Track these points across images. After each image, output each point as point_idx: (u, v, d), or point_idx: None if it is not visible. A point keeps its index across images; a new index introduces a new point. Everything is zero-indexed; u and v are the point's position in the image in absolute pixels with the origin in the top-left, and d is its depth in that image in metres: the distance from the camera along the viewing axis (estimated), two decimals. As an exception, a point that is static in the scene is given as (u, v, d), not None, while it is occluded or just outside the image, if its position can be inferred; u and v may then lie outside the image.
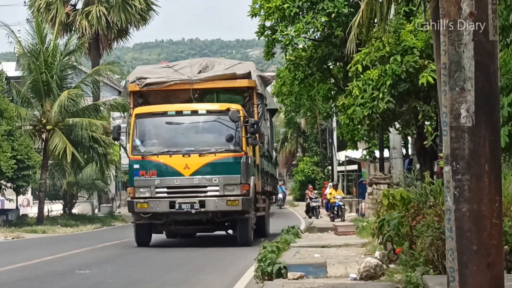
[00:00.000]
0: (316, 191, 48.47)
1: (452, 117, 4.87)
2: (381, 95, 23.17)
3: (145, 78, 24.38)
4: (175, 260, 18.90)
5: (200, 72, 24.85)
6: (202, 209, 21.85)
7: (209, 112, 23.07)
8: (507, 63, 10.98)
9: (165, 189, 22.06)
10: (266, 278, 12.63)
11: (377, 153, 35.85)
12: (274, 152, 34.15)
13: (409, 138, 33.04)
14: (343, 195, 42.17)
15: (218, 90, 24.89)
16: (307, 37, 32.37)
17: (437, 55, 16.83)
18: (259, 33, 32.54)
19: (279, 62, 49.10)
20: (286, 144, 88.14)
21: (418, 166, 27.93)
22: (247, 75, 24.62)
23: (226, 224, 23.65)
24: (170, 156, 22.26)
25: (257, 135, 23.03)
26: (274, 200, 37.60)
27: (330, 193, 41.75)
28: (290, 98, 35.96)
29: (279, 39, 31.71)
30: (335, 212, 39.86)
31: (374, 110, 23.41)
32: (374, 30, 22.58)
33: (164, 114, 22.98)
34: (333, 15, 30.13)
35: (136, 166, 22.33)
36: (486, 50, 4.83)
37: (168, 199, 21.90)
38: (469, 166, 4.82)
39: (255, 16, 31.85)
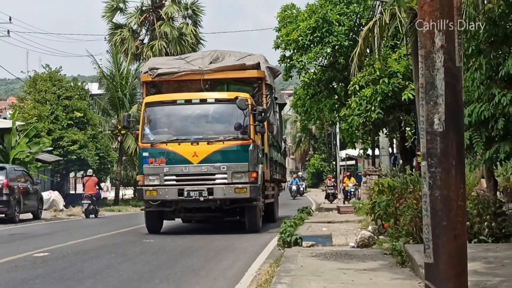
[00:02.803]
0: (333, 179, 45.23)
1: (428, 124, 4.85)
2: (373, 108, 23.23)
3: (157, 69, 19.88)
4: (211, 233, 18.29)
5: (211, 63, 20.24)
6: (211, 197, 17.48)
7: (217, 101, 18.36)
8: (467, 83, 10.94)
9: (174, 177, 17.66)
10: (286, 246, 12.63)
11: (369, 152, 35.68)
12: (283, 143, 28.36)
13: (394, 140, 32.93)
14: (355, 182, 40.05)
15: (229, 81, 20.18)
16: (317, 63, 32.37)
17: (416, 77, 16.78)
18: (280, 61, 32.63)
19: (296, 83, 49.07)
20: (301, 145, 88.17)
21: (401, 161, 27.81)
22: (257, 66, 19.82)
23: (234, 211, 18.84)
24: (179, 144, 17.74)
25: (265, 123, 18.60)
26: (283, 188, 30.93)
27: (344, 182, 41.34)
28: (302, 109, 35.90)
29: (295, 65, 31.73)
30: (348, 197, 38.87)
31: (368, 119, 23.46)
32: (367, 58, 22.61)
33: (173, 102, 18.32)
34: (337, 47, 30.09)
35: (145, 154, 17.91)
36: (453, 73, 4.82)
37: (177, 187, 17.56)
38: (440, 162, 4.80)
39: (278, 48, 31.89)
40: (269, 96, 20.40)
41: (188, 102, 18.23)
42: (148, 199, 17.77)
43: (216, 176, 17.50)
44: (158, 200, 17.71)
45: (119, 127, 41.21)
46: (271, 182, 21.66)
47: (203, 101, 18.31)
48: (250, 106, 17.79)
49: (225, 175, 17.47)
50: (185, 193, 17.46)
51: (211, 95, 18.62)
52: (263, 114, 17.93)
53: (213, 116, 18.64)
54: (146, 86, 19.94)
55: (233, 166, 17.46)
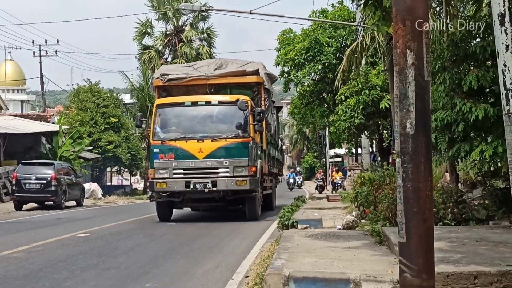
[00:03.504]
0: (323, 173, 44.59)
1: (401, 128, 4.85)
2: (356, 115, 23.25)
3: (167, 75, 18.57)
4: (220, 219, 17.75)
5: (215, 69, 18.95)
6: (214, 188, 16.28)
7: (221, 103, 17.06)
8: (434, 95, 10.96)
9: (181, 171, 16.40)
10: (284, 228, 12.60)
11: (353, 150, 35.66)
12: (280, 142, 26.44)
13: (374, 141, 32.90)
14: (342, 176, 39.37)
15: (231, 86, 18.75)
16: (310, 78, 32.37)
17: (391, 89, 16.81)
18: (280, 75, 32.63)
19: (293, 94, 49.05)
20: (296, 145, 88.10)
21: (379, 158, 27.80)
22: (256, 72, 18.53)
23: (236, 201, 17.55)
24: (186, 141, 16.51)
25: (263, 123, 17.38)
26: (280, 181, 27.71)
27: (333, 175, 41.14)
28: (298, 115, 35.93)
29: (292, 79, 31.74)
30: (336, 188, 38.39)
31: (352, 124, 23.47)
32: (352, 74, 22.64)
33: (181, 104, 17.09)
34: (326, 64, 30.12)
35: (156, 150, 16.65)
36: (422, 86, 4.82)
37: (184, 180, 16.34)
38: (411, 158, 4.80)
39: (278, 65, 31.92)
40: (267, 99, 19.14)
41: (195, 104, 17.02)
42: (159, 190, 16.62)
43: (219, 170, 16.33)
44: (167, 192, 16.56)
45: (147, 130, 41.29)
46: (269, 175, 20.42)
47: (208, 103, 17.04)
48: (249, 107, 16.67)
49: (227, 169, 16.29)
50: (192, 185, 16.27)
51: (215, 98, 17.34)
52: (261, 114, 16.79)
53: (216, 117, 17.30)
54: (158, 90, 18.68)
55: (235, 161, 16.29)
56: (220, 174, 16.30)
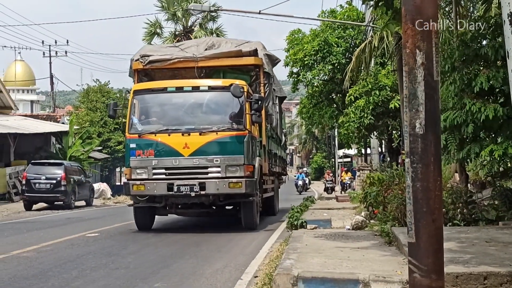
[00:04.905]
0: (331, 174, 42.96)
1: (411, 128, 4.85)
2: (365, 115, 23.24)
3: (149, 56, 15.37)
4: (228, 222, 16.68)
5: (206, 50, 15.91)
6: (203, 192, 13.26)
7: (211, 88, 13.96)
8: (443, 95, 10.94)
9: (163, 170, 13.38)
10: (293, 228, 12.61)
11: (362, 151, 35.59)
12: (283, 137, 22.77)
13: (383, 141, 32.80)
14: (351, 176, 38.72)
15: (225, 69, 15.81)
16: (319, 78, 32.34)
17: (401, 89, 16.75)
18: (289, 76, 32.62)
19: (302, 94, 49.00)
20: (305, 145, 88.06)
21: (388, 159, 27.73)
22: (254, 53, 15.36)
23: (230, 207, 14.94)
24: (169, 135, 13.43)
25: (262, 112, 14.23)
26: (284, 181, 23.60)
27: (342, 176, 41.05)
28: (307, 115, 35.91)
29: (302, 79, 31.73)
30: (345, 188, 37.68)
31: (361, 124, 23.45)
32: (361, 74, 22.65)
33: (163, 90, 13.94)
34: (336, 64, 30.08)
35: (132, 145, 13.55)
36: (432, 86, 4.82)
37: (166, 181, 13.32)
38: (421, 158, 4.80)
39: (287, 65, 31.91)
40: (267, 84, 15.92)
41: (180, 89, 13.93)
42: (136, 194, 13.60)
43: (209, 169, 13.34)
44: (146, 195, 13.61)
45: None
46: (270, 176, 17.47)
47: (195, 89, 14.00)
48: (246, 93, 13.65)
49: (219, 169, 13.31)
50: (175, 188, 13.33)
51: (204, 82, 14.35)
52: (259, 102, 13.72)
53: (206, 105, 14.28)
54: (138, 75, 15.49)
55: (227, 159, 13.30)
56: (210, 175, 13.40)
